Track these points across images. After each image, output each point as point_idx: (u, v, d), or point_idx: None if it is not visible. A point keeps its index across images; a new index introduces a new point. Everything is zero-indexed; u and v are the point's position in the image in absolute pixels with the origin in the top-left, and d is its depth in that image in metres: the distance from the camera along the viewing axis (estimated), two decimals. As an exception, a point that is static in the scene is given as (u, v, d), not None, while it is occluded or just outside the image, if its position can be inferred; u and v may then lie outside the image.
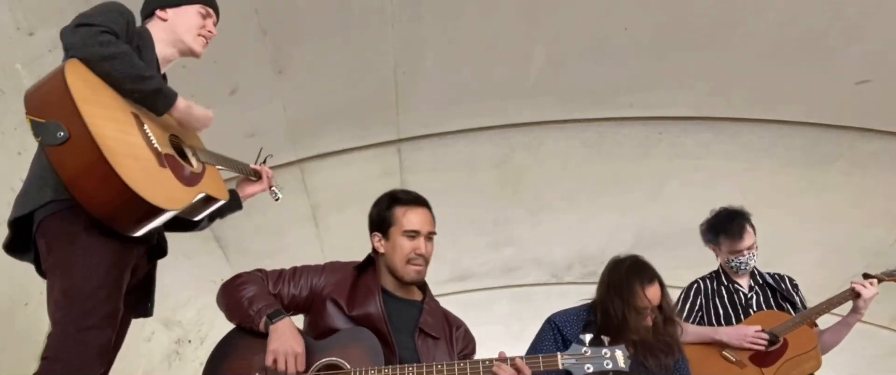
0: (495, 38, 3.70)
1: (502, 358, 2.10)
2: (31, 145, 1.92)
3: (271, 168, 2.57)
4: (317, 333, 2.23)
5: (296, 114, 4.02)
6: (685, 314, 3.08)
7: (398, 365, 2.10)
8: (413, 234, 2.29)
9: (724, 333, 2.93)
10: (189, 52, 2.20)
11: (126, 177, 1.73)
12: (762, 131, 4.36)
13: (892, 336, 5.72)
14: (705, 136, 4.43)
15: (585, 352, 2.09)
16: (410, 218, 2.31)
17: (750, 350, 2.86)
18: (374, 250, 2.39)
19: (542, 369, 2.12)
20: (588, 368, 2.07)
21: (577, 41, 3.74)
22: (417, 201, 2.36)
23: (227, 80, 3.67)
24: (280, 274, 2.33)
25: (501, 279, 6.13)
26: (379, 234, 2.36)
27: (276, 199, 2.59)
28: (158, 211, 1.82)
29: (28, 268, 1.99)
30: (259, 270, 2.34)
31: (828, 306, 2.93)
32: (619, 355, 2.08)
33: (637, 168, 4.72)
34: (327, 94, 3.94)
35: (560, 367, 2.09)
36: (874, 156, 4.36)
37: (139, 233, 1.88)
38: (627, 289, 2.51)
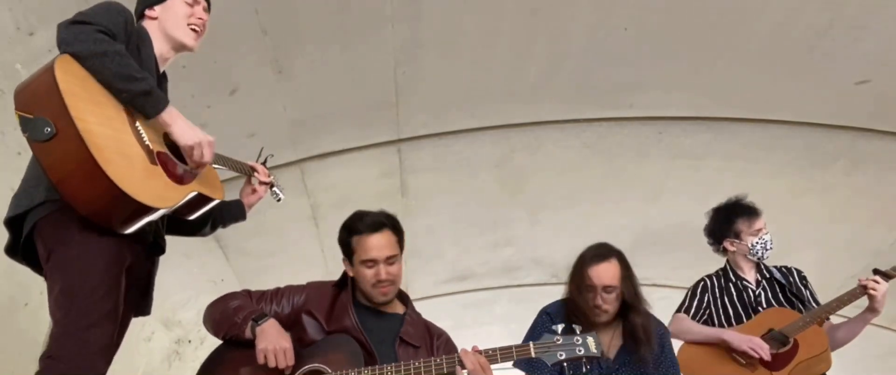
0: (495, 38, 3.70)
1: (476, 351, 2.13)
2: (31, 145, 1.90)
3: (271, 168, 2.58)
4: (299, 348, 2.26)
5: (296, 114, 4.03)
6: (691, 311, 3.05)
7: (377, 366, 2.14)
8: (371, 263, 2.29)
9: (729, 335, 2.87)
10: (181, 47, 2.16)
11: (112, 173, 1.70)
12: (762, 131, 4.36)
13: (893, 337, 5.72)
14: (705, 136, 4.43)
15: (557, 340, 2.13)
16: (365, 248, 2.29)
17: (750, 356, 2.79)
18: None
19: (515, 358, 2.16)
20: (560, 355, 2.10)
21: (577, 41, 3.74)
22: (372, 227, 2.31)
23: (227, 80, 3.67)
24: (262, 294, 2.38)
25: (501, 279, 6.13)
26: (347, 259, 2.38)
27: (278, 200, 2.60)
28: (146, 208, 1.79)
29: (28, 268, 1.98)
30: (245, 291, 2.40)
31: (838, 304, 2.85)
32: (591, 341, 2.12)
33: (637, 168, 4.72)
34: (327, 94, 3.94)
35: (533, 356, 2.12)
36: (874, 156, 4.36)
37: (128, 231, 1.86)
38: (577, 270, 2.66)
